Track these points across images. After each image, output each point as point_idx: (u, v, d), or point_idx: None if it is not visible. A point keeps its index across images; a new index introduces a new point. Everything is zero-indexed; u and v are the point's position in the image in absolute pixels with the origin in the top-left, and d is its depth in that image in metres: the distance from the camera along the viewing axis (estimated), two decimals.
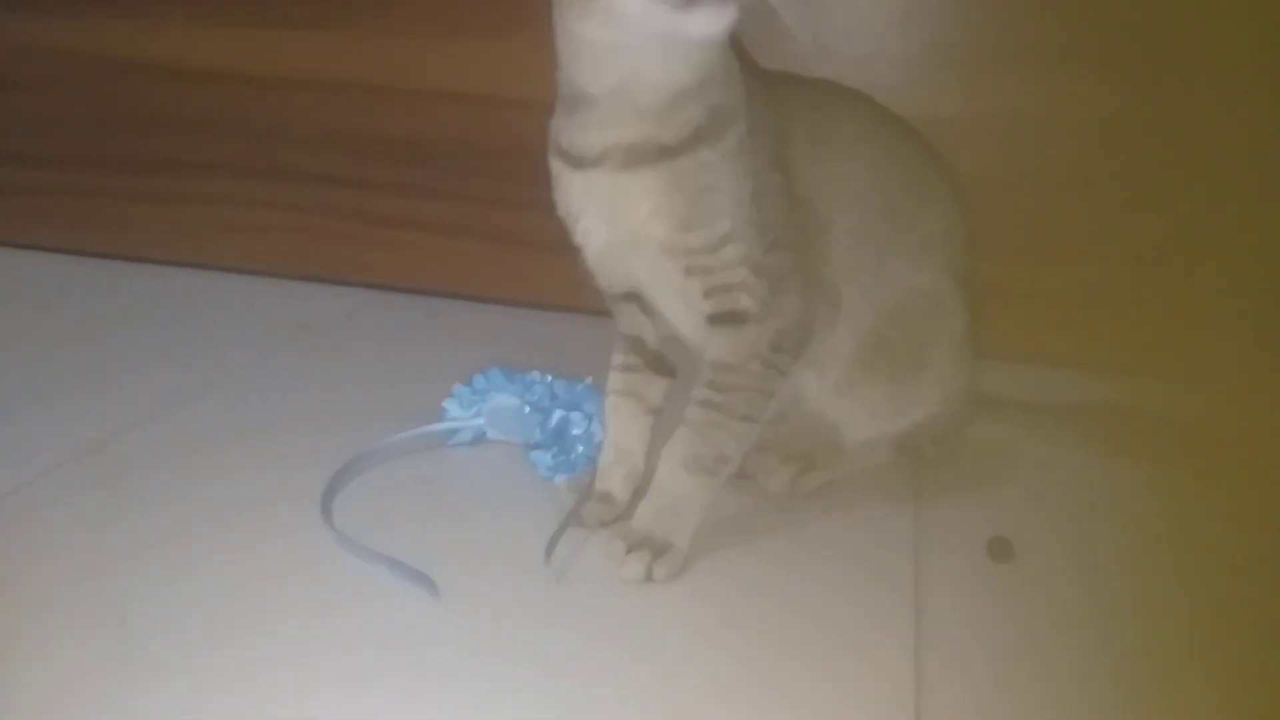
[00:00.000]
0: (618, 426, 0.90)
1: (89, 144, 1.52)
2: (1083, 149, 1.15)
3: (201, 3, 1.39)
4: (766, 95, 0.82)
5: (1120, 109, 1.13)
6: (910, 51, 1.17)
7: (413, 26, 1.31)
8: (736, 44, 0.80)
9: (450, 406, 1.00)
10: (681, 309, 0.84)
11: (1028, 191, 1.18)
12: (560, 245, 1.34)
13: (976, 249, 0.97)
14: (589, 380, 0.98)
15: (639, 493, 0.86)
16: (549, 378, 0.99)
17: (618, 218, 0.79)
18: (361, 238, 1.45)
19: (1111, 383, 1.16)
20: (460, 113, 1.34)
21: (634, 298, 0.88)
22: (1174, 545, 0.87)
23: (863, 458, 0.95)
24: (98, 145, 1.52)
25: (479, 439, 1.00)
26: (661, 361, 0.91)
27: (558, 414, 0.93)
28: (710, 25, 0.68)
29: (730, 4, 0.66)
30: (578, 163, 0.79)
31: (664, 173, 0.76)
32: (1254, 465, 0.94)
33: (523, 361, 1.03)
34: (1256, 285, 1.13)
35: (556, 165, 0.82)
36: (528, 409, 0.96)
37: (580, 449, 0.93)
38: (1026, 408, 1.05)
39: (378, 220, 1.43)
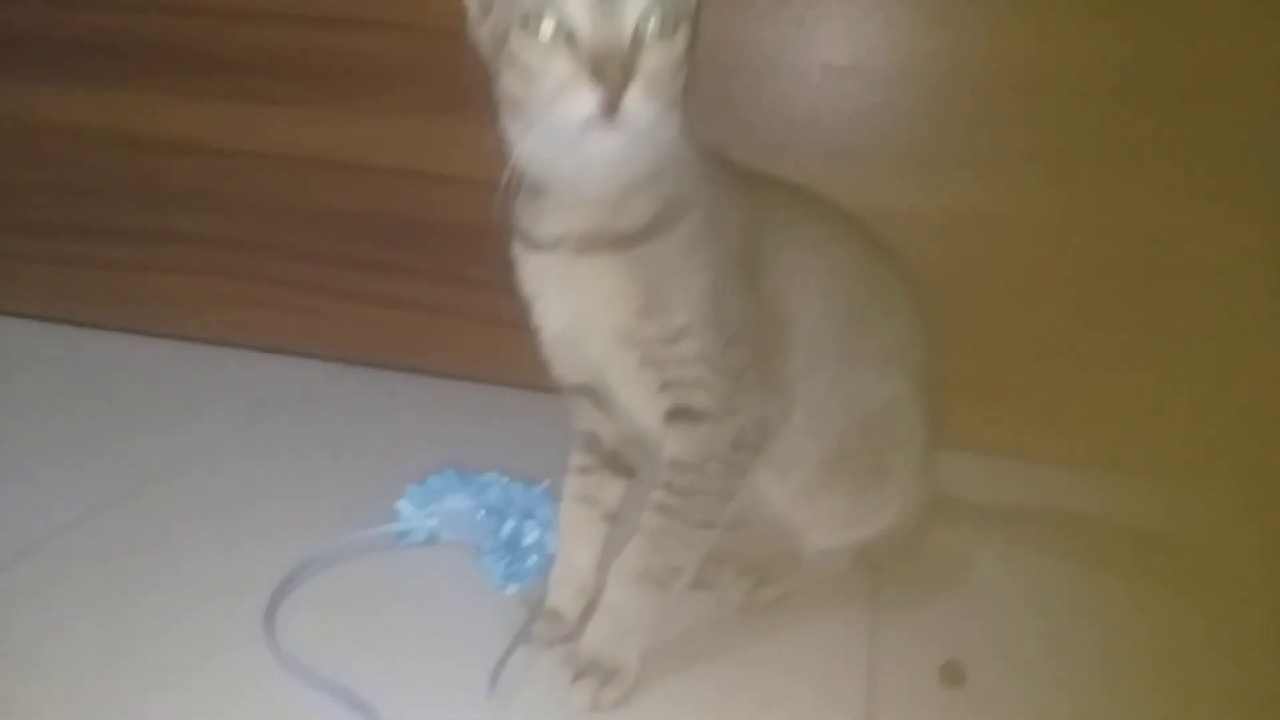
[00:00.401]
0: (570, 538, 0.89)
1: (55, 211, 1.51)
2: (1045, 248, 1.16)
3: (174, 76, 1.38)
4: (732, 186, 0.82)
5: (1079, 210, 1.14)
6: (873, 148, 1.17)
7: (380, 106, 1.31)
8: (694, 137, 0.79)
9: (403, 507, 0.98)
10: (639, 401, 0.83)
11: (990, 287, 1.18)
12: (521, 323, 1.36)
13: (940, 341, 0.97)
14: (547, 484, 0.97)
15: (590, 607, 0.85)
16: (505, 480, 0.98)
17: (574, 302, 0.79)
18: (324, 311, 1.43)
19: (1074, 479, 1.17)
20: (424, 191, 1.33)
21: (589, 391, 0.87)
22: (1133, 663, 0.86)
23: (820, 568, 0.95)
24: (64, 212, 1.50)
25: (432, 539, 0.99)
26: (618, 461, 0.90)
27: (510, 523, 0.92)
28: (605, 145, 0.69)
29: (618, 131, 0.67)
30: (536, 246, 0.79)
31: (619, 260, 0.76)
32: (1223, 579, 0.94)
33: (482, 440, 1.02)
34: (1218, 385, 1.14)
35: (517, 246, 0.82)
36: (482, 513, 0.95)
37: (533, 559, 0.91)
38: (986, 511, 1.04)
39: (340, 294, 1.42)
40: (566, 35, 0.67)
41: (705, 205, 0.78)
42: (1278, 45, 1.05)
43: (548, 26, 0.68)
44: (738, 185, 0.84)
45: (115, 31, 1.37)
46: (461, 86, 1.26)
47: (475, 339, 1.38)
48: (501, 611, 0.88)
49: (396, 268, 1.39)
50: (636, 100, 0.67)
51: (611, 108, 0.66)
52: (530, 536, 0.92)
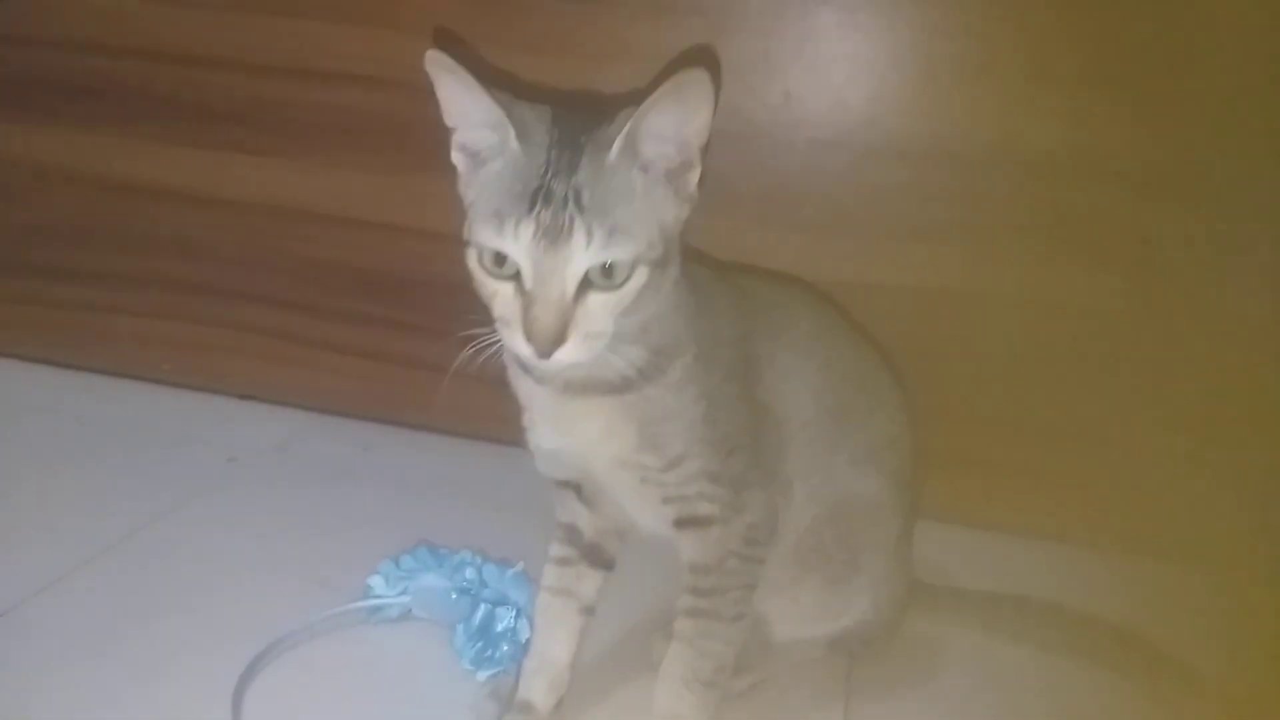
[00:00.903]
0: (545, 629, 0.88)
1: (29, 250, 1.49)
2: (1026, 325, 1.16)
3: (154, 122, 1.36)
4: (723, 305, 0.81)
5: (1060, 289, 1.14)
6: (857, 221, 1.18)
7: (360, 161, 1.30)
8: (688, 249, 0.79)
9: (375, 584, 0.97)
10: (644, 511, 0.83)
11: (970, 363, 1.18)
12: (498, 379, 1.35)
13: (920, 414, 0.97)
14: (520, 566, 0.96)
15: (563, 703, 0.84)
16: (479, 560, 0.97)
17: (568, 432, 0.79)
18: (299, 361, 1.42)
19: (1053, 553, 1.17)
20: (401, 244, 1.32)
21: (573, 486, 0.86)
22: None
23: (794, 656, 0.94)
24: (38, 252, 1.48)
25: (404, 616, 0.97)
26: (598, 553, 0.90)
27: (483, 608, 0.91)
28: (552, 366, 0.69)
29: (568, 352, 0.68)
30: (527, 370, 0.78)
31: (609, 402, 0.75)
32: (1197, 679, 0.93)
33: (458, 497, 1.01)
34: (1201, 466, 1.14)
35: (506, 356, 0.80)
36: (455, 594, 0.94)
37: (505, 646, 0.90)
38: (962, 596, 1.04)
39: (316, 344, 1.41)
40: (515, 272, 0.68)
41: (696, 343, 0.77)
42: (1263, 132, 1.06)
43: (499, 258, 0.68)
44: (728, 300, 0.83)
45: (97, 75, 1.36)
46: (442, 144, 1.28)
47: (452, 393, 1.37)
48: (473, 694, 0.87)
49: (373, 320, 1.38)
50: (570, 351, 0.67)
51: (545, 356, 0.67)
52: (503, 622, 0.91)
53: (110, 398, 1.44)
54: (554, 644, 0.87)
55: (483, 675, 0.90)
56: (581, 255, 0.66)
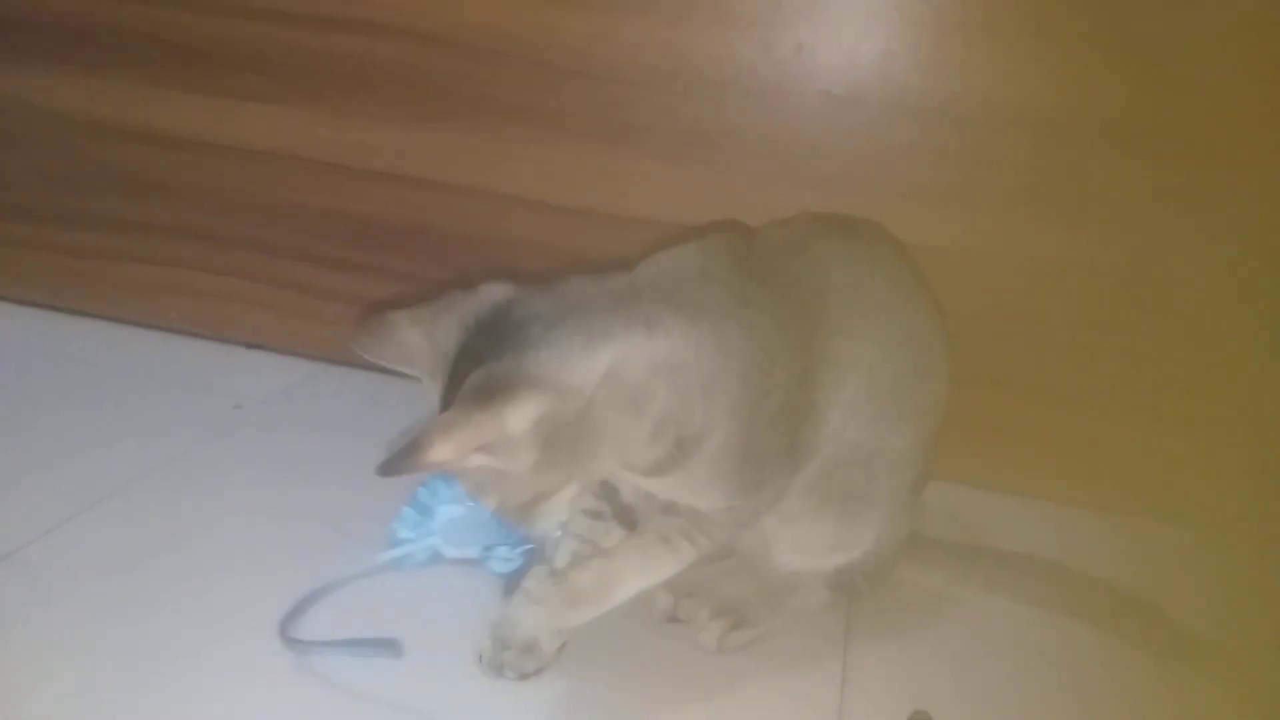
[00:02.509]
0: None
1: (34, 196, 1.48)
2: (1037, 287, 1.16)
3: (161, 68, 1.35)
4: (771, 339, 0.78)
5: (1073, 250, 1.14)
6: (868, 179, 1.17)
7: (367, 109, 1.29)
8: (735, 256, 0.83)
9: (400, 529, 0.97)
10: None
11: (980, 324, 1.17)
12: None
13: None
14: None
15: (564, 647, 0.86)
16: None
17: None
18: (307, 311, 1.42)
19: (1060, 515, 1.18)
20: (416, 197, 1.32)
21: None
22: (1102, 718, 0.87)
23: (796, 606, 0.95)
24: (43, 198, 1.48)
25: (434, 559, 0.97)
26: (629, 515, 0.91)
27: None
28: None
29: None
30: None
31: (638, 478, 0.79)
32: (1199, 640, 0.93)
33: None
34: (1213, 429, 1.15)
35: None
36: (479, 516, 0.92)
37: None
38: (965, 552, 1.04)
39: (324, 294, 1.41)
40: None
41: (725, 424, 0.75)
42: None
43: None
44: (774, 336, 0.78)
45: (102, 20, 1.34)
46: (452, 95, 1.28)
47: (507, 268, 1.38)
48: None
49: (378, 270, 1.38)
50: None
51: None
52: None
53: (117, 344, 1.44)
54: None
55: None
56: None
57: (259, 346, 1.46)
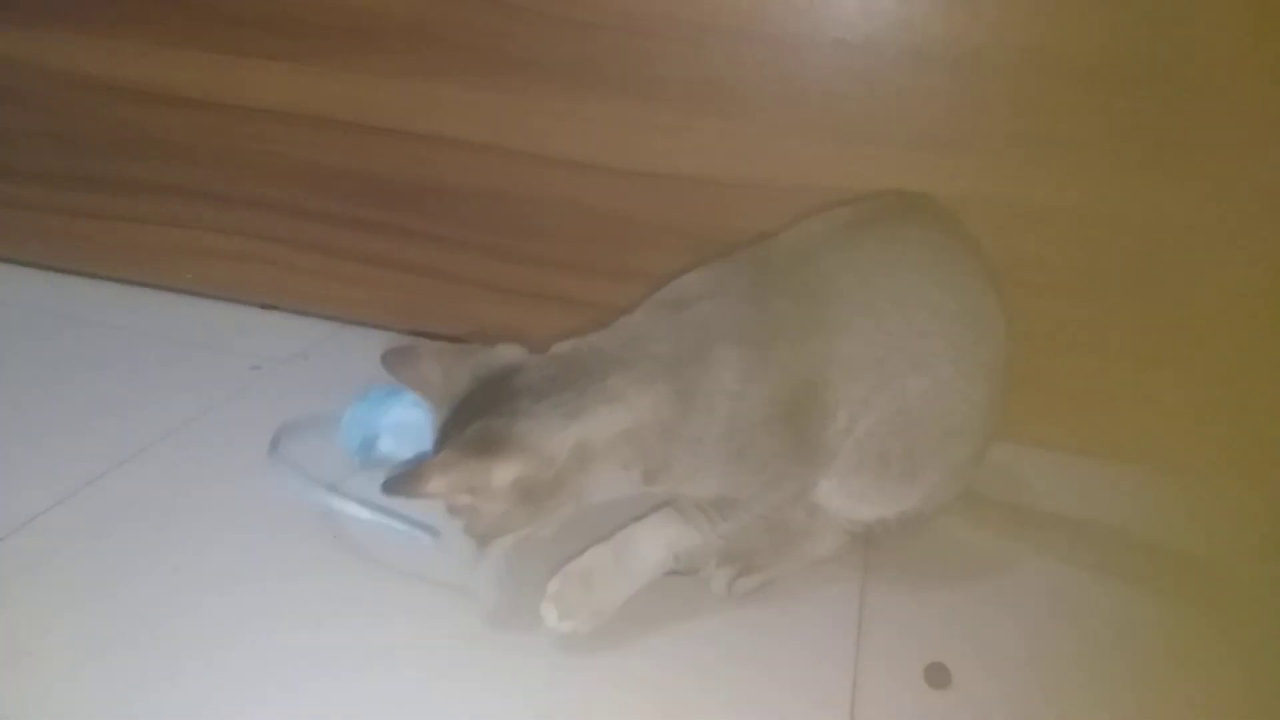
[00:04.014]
0: None
1: (49, 158, 1.48)
2: (1055, 235, 1.14)
3: (171, 26, 1.34)
4: (766, 360, 0.84)
5: (1093, 198, 1.11)
6: (884, 129, 1.15)
7: (385, 65, 1.28)
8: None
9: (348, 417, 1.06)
10: None
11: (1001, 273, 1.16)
12: (521, 290, 1.34)
13: None
14: None
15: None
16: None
17: None
18: (322, 270, 1.42)
19: (1073, 465, 1.17)
20: (423, 153, 1.31)
21: None
22: (1119, 673, 0.86)
23: (804, 551, 0.95)
24: (58, 160, 1.48)
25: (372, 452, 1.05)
26: None
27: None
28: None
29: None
30: None
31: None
32: (1221, 593, 0.93)
33: None
34: (1221, 377, 1.12)
35: None
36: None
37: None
38: (981, 503, 1.02)
39: (339, 253, 1.40)
40: None
41: (691, 448, 0.84)
42: None
43: None
44: (745, 368, 0.84)
45: None
46: (465, 50, 1.26)
47: (473, 303, 1.37)
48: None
49: (393, 229, 1.37)
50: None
51: None
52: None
53: (133, 306, 1.45)
54: None
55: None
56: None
57: (274, 307, 1.46)
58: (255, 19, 1.31)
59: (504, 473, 0.78)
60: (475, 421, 0.79)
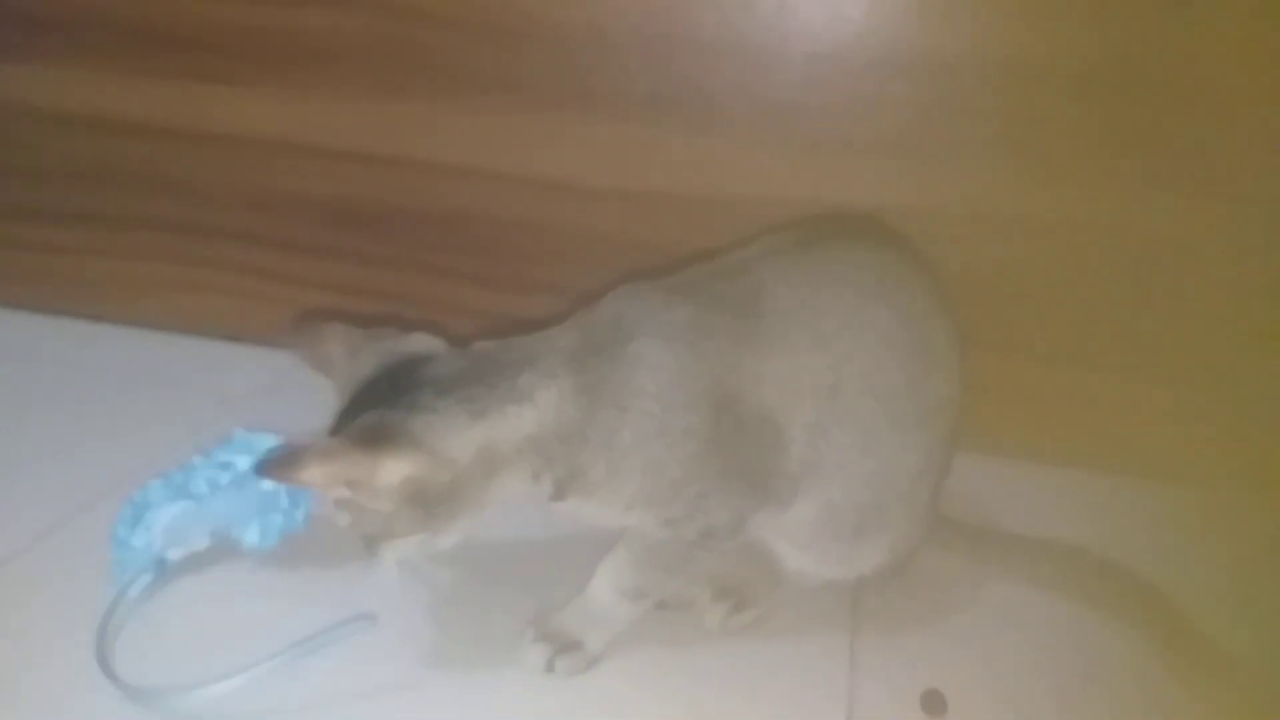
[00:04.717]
0: None
1: (9, 192, 1.44)
2: (1033, 245, 1.13)
3: (125, 55, 1.30)
4: (675, 375, 0.77)
5: (1069, 207, 1.10)
6: (857, 140, 1.13)
7: (339, 89, 1.25)
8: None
9: (120, 530, 0.90)
10: None
11: (977, 284, 1.14)
12: (490, 313, 1.32)
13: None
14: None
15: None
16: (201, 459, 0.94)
17: None
18: (289, 300, 1.38)
19: (1070, 479, 1.16)
20: (384, 176, 1.28)
21: None
22: (1114, 703, 0.84)
23: (800, 582, 0.92)
24: (13, 194, 1.44)
25: (163, 569, 0.89)
26: None
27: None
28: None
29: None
30: None
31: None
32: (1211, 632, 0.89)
33: None
34: (1217, 384, 1.12)
35: None
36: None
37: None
38: (978, 535, 1.01)
39: (298, 282, 1.37)
40: None
41: (605, 455, 0.76)
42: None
43: None
44: (680, 372, 0.77)
45: (64, 6, 1.30)
46: (426, 70, 1.23)
47: (441, 326, 1.34)
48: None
49: (356, 254, 1.34)
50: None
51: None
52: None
53: (92, 343, 1.41)
54: None
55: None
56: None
57: (236, 339, 1.42)
58: (208, 44, 1.28)
59: (392, 470, 0.71)
60: (371, 410, 0.73)
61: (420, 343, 0.79)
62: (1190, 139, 1.05)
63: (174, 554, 0.90)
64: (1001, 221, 1.12)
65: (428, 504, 0.73)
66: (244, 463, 0.92)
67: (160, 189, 1.38)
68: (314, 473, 0.70)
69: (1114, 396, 1.16)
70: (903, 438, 0.85)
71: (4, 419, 1.19)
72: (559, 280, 1.27)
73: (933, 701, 0.82)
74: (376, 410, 0.73)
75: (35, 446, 1.13)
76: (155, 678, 0.77)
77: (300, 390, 1.30)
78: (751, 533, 0.85)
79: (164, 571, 0.89)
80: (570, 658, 0.82)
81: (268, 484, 0.90)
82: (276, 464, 0.70)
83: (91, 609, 0.86)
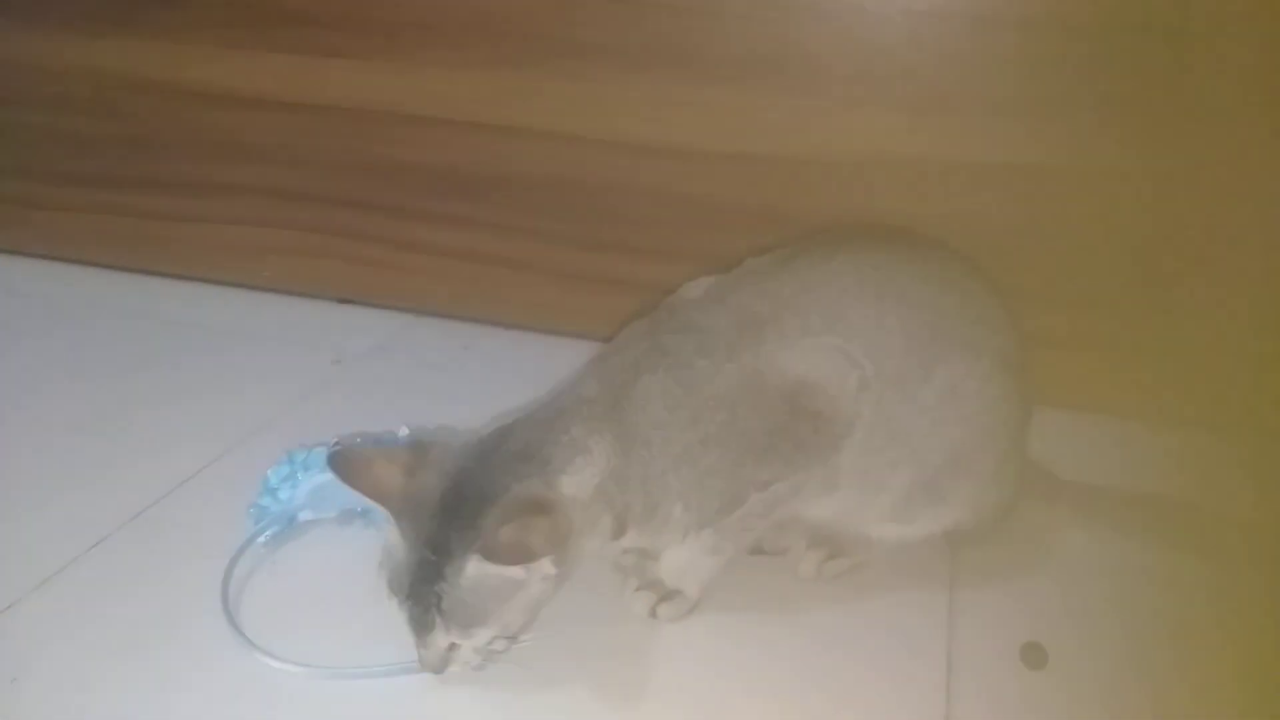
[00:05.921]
0: None
1: (127, 163, 1.52)
2: (1136, 201, 1.10)
3: (239, 28, 1.36)
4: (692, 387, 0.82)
5: (1175, 161, 1.07)
6: (962, 98, 1.12)
7: (452, 58, 1.29)
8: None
9: (263, 498, 0.96)
10: None
11: (1060, 242, 1.14)
12: (594, 277, 1.35)
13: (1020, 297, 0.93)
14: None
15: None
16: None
17: None
18: (397, 264, 1.44)
19: (1147, 433, 1.14)
20: (492, 144, 1.32)
21: None
22: (1216, 649, 0.83)
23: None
24: (136, 164, 1.52)
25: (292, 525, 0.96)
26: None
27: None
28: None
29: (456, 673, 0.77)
30: None
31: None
32: None
33: None
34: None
35: None
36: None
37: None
38: (1074, 488, 1.01)
39: (410, 246, 1.42)
40: None
41: (644, 480, 0.81)
42: None
43: None
44: (695, 388, 0.82)
45: None
46: (531, 39, 1.26)
47: (547, 292, 1.38)
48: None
49: (466, 220, 1.38)
50: (458, 672, 0.77)
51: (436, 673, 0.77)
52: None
53: (214, 305, 1.49)
54: None
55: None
56: (442, 638, 0.75)
57: (350, 301, 1.48)
58: (320, 18, 1.32)
59: (564, 526, 0.74)
60: (490, 500, 0.74)
61: (462, 434, 0.82)
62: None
63: (305, 515, 0.96)
64: (1114, 177, 1.10)
65: (566, 561, 0.76)
66: None
67: (273, 158, 1.44)
68: (544, 548, 0.73)
69: (1185, 344, 1.13)
70: (928, 416, 0.86)
71: (132, 378, 1.27)
72: (663, 244, 1.29)
73: (1033, 654, 0.82)
74: (508, 492, 0.74)
75: (162, 404, 1.20)
76: (269, 623, 0.84)
77: (409, 349, 1.38)
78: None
79: (291, 528, 0.95)
80: (672, 604, 0.87)
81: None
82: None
83: (221, 550, 0.92)
